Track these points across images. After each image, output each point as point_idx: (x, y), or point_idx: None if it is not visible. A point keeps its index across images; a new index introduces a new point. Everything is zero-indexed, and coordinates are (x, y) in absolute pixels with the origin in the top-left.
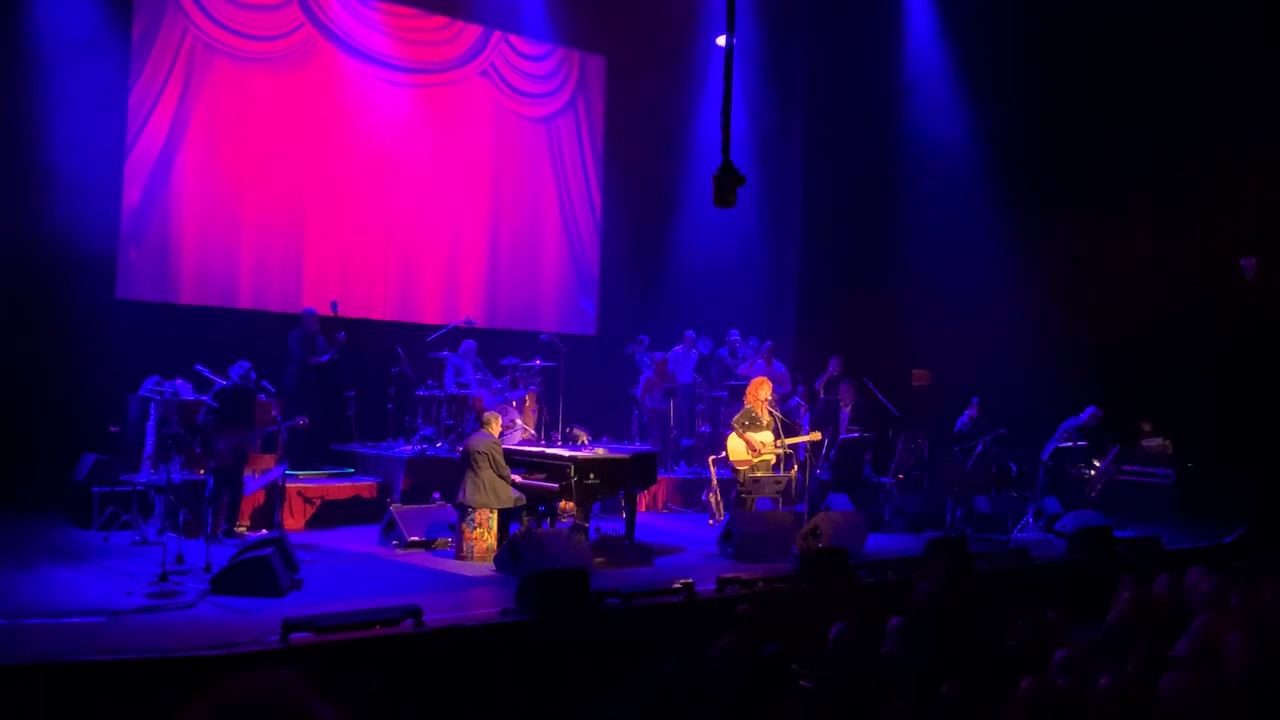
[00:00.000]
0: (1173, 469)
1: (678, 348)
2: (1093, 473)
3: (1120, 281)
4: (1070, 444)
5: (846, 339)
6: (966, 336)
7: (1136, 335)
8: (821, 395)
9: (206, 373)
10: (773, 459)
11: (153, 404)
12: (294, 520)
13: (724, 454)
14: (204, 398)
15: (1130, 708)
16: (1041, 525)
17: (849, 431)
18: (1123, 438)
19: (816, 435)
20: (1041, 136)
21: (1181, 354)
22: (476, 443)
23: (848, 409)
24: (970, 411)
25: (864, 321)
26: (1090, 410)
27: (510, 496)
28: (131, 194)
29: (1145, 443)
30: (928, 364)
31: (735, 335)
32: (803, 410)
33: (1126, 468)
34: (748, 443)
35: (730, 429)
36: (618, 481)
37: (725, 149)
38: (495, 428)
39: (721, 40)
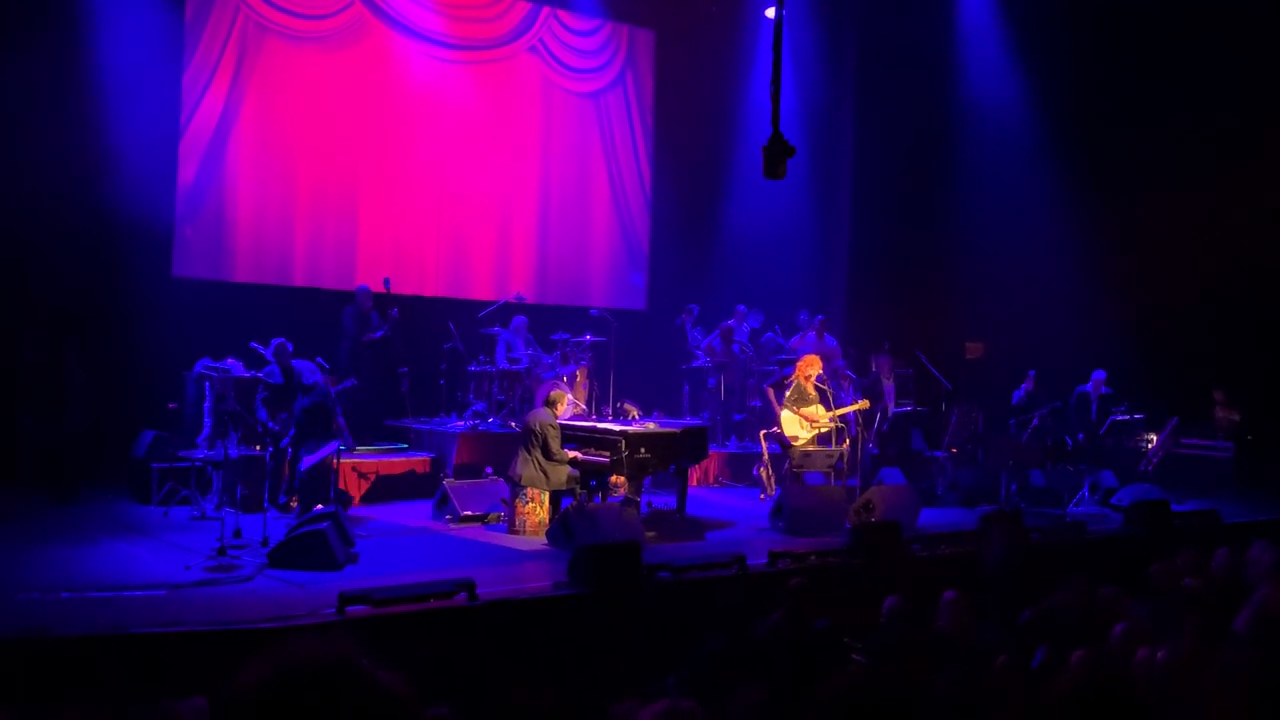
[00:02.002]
0: (1232, 442)
1: (729, 321)
2: (1150, 446)
3: (1178, 251)
4: (1126, 417)
5: (898, 311)
6: (1022, 308)
7: (1195, 305)
8: (873, 370)
9: (261, 350)
10: (828, 429)
11: (207, 382)
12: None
13: (776, 429)
14: (259, 374)
15: (1186, 682)
16: (1098, 499)
17: (899, 405)
18: (1181, 409)
19: (865, 403)
20: (1098, 104)
21: (1241, 324)
22: (533, 421)
23: (890, 382)
24: (1027, 384)
25: (916, 293)
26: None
27: (561, 480)
28: (186, 173)
29: (1219, 412)
30: (981, 336)
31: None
32: (845, 384)
33: (1185, 441)
34: (801, 417)
35: (782, 406)
36: (669, 456)
37: (775, 121)
38: (559, 409)
39: (771, 12)
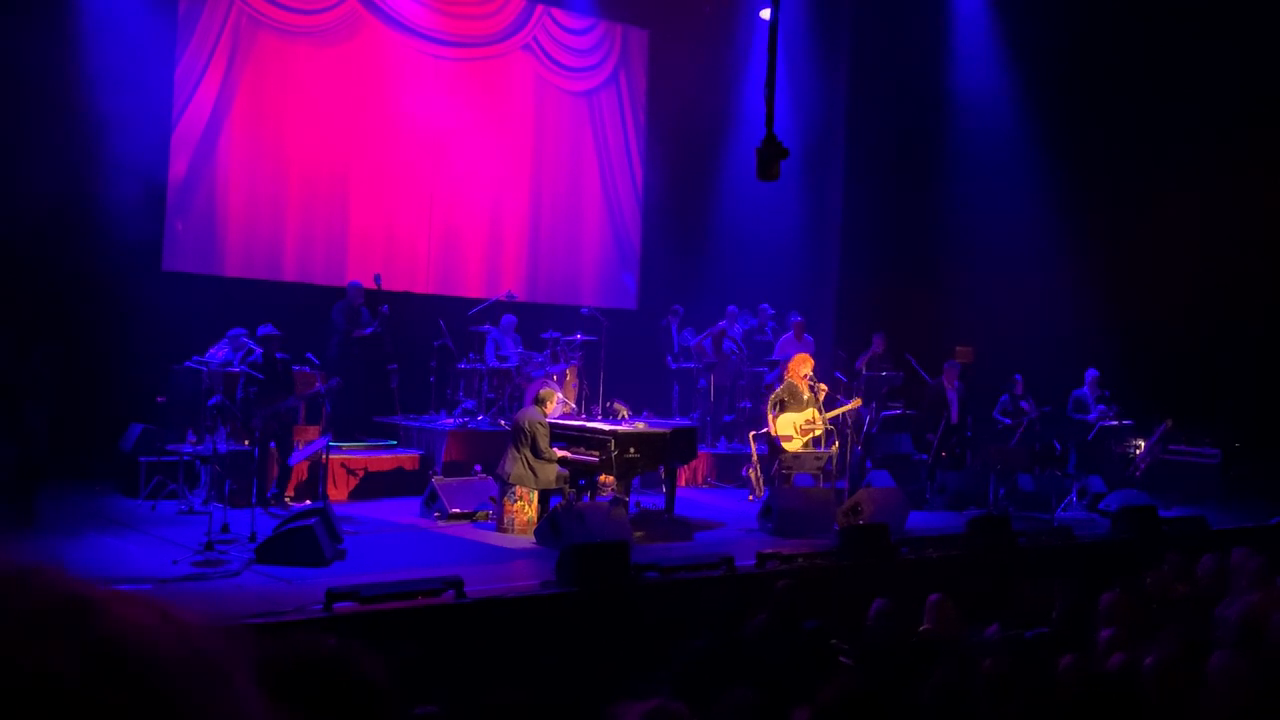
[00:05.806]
0: (1219, 448)
1: (721, 323)
2: (1138, 451)
3: (1170, 254)
4: (1115, 422)
5: (889, 314)
6: (1012, 312)
7: (1186, 309)
8: (864, 372)
9: (249, 343)
10: (818, 432)
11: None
12: (337, 492)
13: (765, 430)
14: (243, 368)
15: (1172, 687)
16: (1085, 504)
17: (888, 409)
18: (1170, 415)
19: (857, 401)
20: (1090, 107)
21: (1231, 329)
22: (523, 419)
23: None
24: (1015, 388)
25: (907, 297)
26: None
27: (549, 479)
28: (178, 167)
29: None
30: (971, 340)
31: (768, 309)
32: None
33: (1173, 447)
34: (794, 422)
35: (773, 408)
36: (658, 456)
37: (769, 122)
38: (549, 407)
39: (765, 13)
